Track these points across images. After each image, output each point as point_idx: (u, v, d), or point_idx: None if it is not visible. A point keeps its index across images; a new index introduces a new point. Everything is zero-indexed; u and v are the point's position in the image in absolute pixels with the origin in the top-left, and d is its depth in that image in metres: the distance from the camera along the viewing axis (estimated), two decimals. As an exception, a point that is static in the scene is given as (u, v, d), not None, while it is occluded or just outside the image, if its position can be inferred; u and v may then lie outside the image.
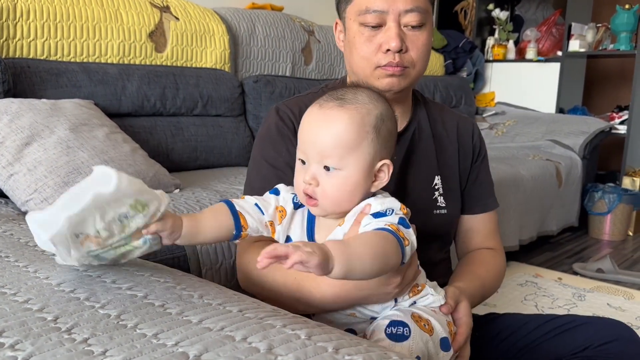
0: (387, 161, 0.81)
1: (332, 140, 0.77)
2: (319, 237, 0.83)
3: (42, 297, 0.68)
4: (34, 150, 1.44)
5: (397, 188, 1.03)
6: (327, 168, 0.78)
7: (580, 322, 1.00)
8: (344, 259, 0.67)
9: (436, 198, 1.09)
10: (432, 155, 1.10)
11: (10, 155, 1.43)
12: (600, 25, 3.97)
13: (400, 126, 1.05)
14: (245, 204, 0.84)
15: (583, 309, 2.28)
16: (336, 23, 1.07)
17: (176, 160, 2.09)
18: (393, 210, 0.78)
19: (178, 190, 1.68)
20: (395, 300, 0.85)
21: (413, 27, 0.97)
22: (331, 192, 0.78)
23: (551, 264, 2.87)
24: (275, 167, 1.00)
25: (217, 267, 1.40)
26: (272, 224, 0.85)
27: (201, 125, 2.22)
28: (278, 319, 0.63)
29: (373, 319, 0.84)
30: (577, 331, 0.98)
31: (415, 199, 1.05)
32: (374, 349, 0.58)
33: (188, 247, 1.36)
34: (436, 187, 1.09)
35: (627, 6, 3.67)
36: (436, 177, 1.09)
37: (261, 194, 0.89)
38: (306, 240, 0.84)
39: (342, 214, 0.81)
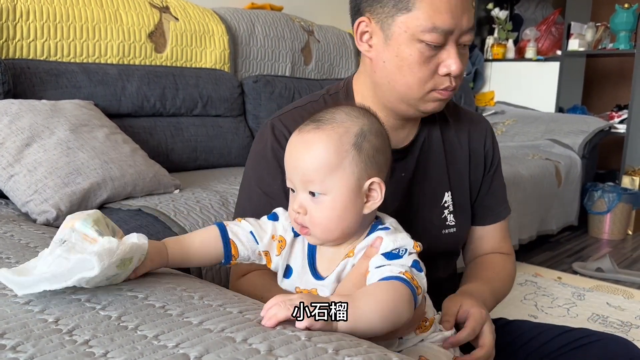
0: (376, 179, 0.76)
1: (311, 164, 0.75)
2: (320, 266, 0.80)
3: (43, 298, 0.68)
4: (34, 151, 1.45)
5: (404, 207, 0.99)
6: (312, 194, 0.75)
7: (595, 339, 0.96)
8: (350, 319, 0.64)
9: (445, 217, 1.03)
10: (443, 169, 1.03)
11: (10, 156, 1.43)
12: (599, 24, 3.98)
13: (409, 138, 1.01)
14: (240, 231, 0.81)
15: (583, 308, 2.28)
16: (360, 22, 0.93)
17: (176, 161, 2.10)
18: (406, 249, 0.74)
19: (178, 190, 1.69)
20: (400, 337, 0.82)
21: (465, 46, 0.90)
22: (319, 219, 0.75)
23: (551, 264, 2.87)
24: (268, 195, 0.96)
25: (218, 268, 1.40)
26: (267, 253, 0.82)
27: (201, 125, 2.22)
28: (278, 320, 0.63)
29: None
30: (592, 348, 0.94)
31: (423, 218, 1.01)
32: (374, 350, 0.58)
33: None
34: (446, 204, 1.03)
35: (626, 5, 3.67)
36: (446, 193, 1.03)
37: None
38: (307, 270, 0.81)
39: (339, 241, 0.78)
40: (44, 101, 1.64)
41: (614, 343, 0.95)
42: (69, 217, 0.72)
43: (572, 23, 3.93)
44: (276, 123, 0.98)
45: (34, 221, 1.36)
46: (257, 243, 0.81)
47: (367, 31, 0.92)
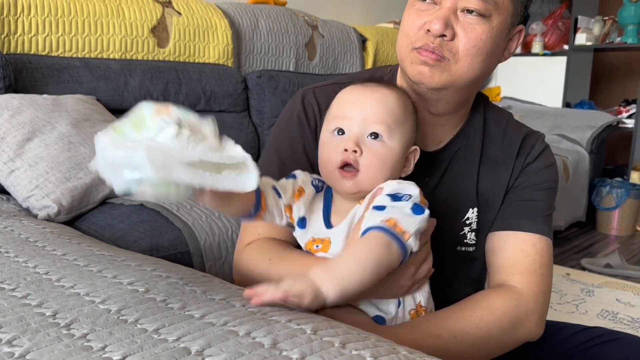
0: (416, 147, 0.81)
1: (383, 109, 0.77)
2: (334, 218, 0.81)
3: (42, 292, 0.67)
4: (35, 146, 1.43)
5: None
6: (373, 135, 0.76)
7: (611, 338, 0.93)
8: (333, 284, 0.65)
9: (465, 234, 0.94)
10: (472, 183, 0.93)
11: (11, 151, 1.41)
12: (607, 18, 3.94)
13: (443, 142, 0.94)
14: (266, 184, 0.80)
15: (592, 305, 2.25)
16: None
17: (180, 156, 2.08)
18: (410, 196, 0.74)
19: (181, 186, 1.67)
20: (399, 302, 0.81)
21: (469, 11, 0.81)
22: (376, 161, 0.76)
23: (559, 260, 2.85)
24: (284, 166, 0.92)
25: (221, 263, 1.39)
26: (289, 208, 0.81)
27: (204, 120, 2.20)
28: (282, 313, 0.61)
29: (377, 319, 0.80)
30: (608, 347, 0.91)
31: (438, 231, 0.91)
32: (381, 343, 0.56)
33: (191, 242, 1.34)
34: (468, 221, 0.94)
35: (634, -1, 3.63)
36: (471, 210, 0.94)
37: None
38: (322, 221, 0.81)
39: (366, 194, 0.78)
40: (45, 96, 1.62)
41: (630, 342, 0.92)
42: (150, 111, 0.61)
43: (579, 17, 3.90)
44: (308, 94, 0.96)
45: (35, 216, 1.34)
46: (280, 197, 0.81)
47: None
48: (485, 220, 0.94)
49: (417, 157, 0.82)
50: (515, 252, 0.90)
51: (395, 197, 0.73)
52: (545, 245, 0.91)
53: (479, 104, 0.96)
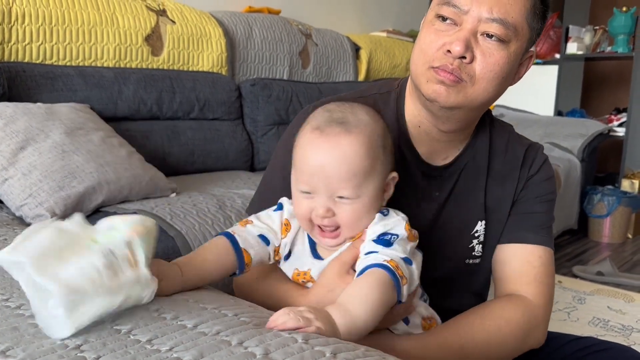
0: (394, 173, 0.79)
1: (345, 172, 0.73)
2: (323, 250, 0.80)
3: (35, 302, 0.67)
4: (28, 154, 1.43)
5: (431, 230, 0.94)
6: (342, 198, 0.74)
7: (602, 348, 0.93)
8: (348, 326, 0.65)
9: (473, 247, 0.96)
10: (480, 197, 0.96)
11: (4, 159, 1.41)
12: (597, 27, 3.98)
13: (450, 157, 0.95)
14: (248, 236, 0.79)
15: (583, 312, 2.26)
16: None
17: (173, 164, 2.08)
18: (397, 235, 0.74)
19: (175, 194, 1.67)
20: (407, 321, 0.82)
21: (490, 36, 0.81)
22: (348, 219, 0.75)
23: (551, 267, 2.86)
24: (286, 181, 0.91)
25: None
26: (278, 248, 0.82)
27: (198, 129, 2.21)
28: (275, 323, 0.62)
29: None
30: (599, 357, 0.92)
31: (448, 244, 0.95)
32: (372, 353, 0.56)
33: (185, 251, 1.34)
34: (476, 234, 0.96)
35: (624, 9, 3.67)
36: (479, 222, 0.96)
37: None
38: (311, 258, 0.81)
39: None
40: (39, 104, 1.62)
41: (621, 353, 0.92)
42: (130, 221, 0.65)
43: (570, 26, 3.93)
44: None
45: (28, 225, 1.34)
46: (268, 244, 0.81)
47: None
48: (492, 232, 0.96)
49: (397, 179, 0.80)
50: (523, 264, 0.94)
51: (385, 242, 0.73)
52: (549, 256, 0.95)
53: (484, 119, 0.97)
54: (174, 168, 2.07)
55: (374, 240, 0.73)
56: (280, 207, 0.84)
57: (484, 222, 0.96)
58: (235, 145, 2.32)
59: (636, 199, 3.36)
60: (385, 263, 0.70)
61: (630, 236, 3.45)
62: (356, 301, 0.67)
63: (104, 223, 0.65)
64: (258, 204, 0.93)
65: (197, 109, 2.22)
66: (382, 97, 0.98)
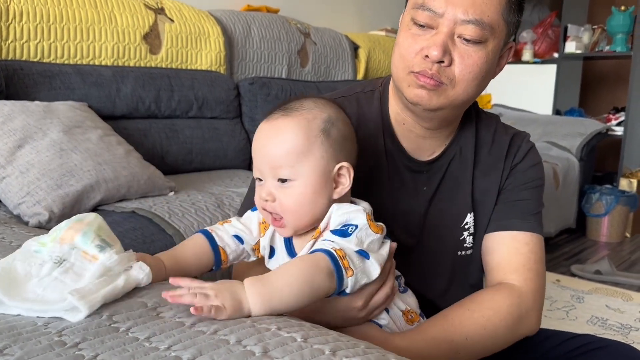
0: (345, 163, 0.77)
1: (281, 149, 0.75)
2: (297, 244, 0.81)
3: (33, 300, 0.66)
4: (26, 152, 1.43)
5: (422, 225, 0.96)
6: (281, 180, 0.75)
7: (600, 345, 0.93)
8: (262, 299, 0.63)
9: (464, 239, 0.97)
10: (468, 189, 0.96)
11: (2, 158, 1.41)
12: (596, 26, 3.98)
13: (437, 152, 0.96)
14: (224, 235, 0.83)
15: (582, 311, 2.27)
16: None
17: (171, 163, 2.08)
18: (356, 226, 0.72)
19: (173, 193, 1.67)
20: (387, 311, 0.82)
21: (467, 40, 0.82)
22: (290, 205, 0.75)
23: (549, 266, 2.86)
24: None
25: (213, 270, 1.38)
26: (257, 246, 0.84)
27: (196, 127, 2.20)
28: (273, 321, 0.61)
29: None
30: (597, 355, 0.91)
31: (439, 238, 0.96)
32: (372, 350, 0.56)
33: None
34: (466, 226, 0.97)
35: (622, 8, 3.67)
36: (468, 215, 0.96)
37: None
38: (287, 255, 0.81)
39: (309, 227, 0.78)
40: (36, 102, 1.62)
41: (619, 350, 0.92)
42: (67, 227, 0.69)
43: (569, 25, 3.93)
44: None
45: (26, 223, 1.34)
46: (242, 243, 0.83)
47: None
48: (480, 223, 0.97)
49: (352, 172, 0.77)
50: (510, 251, 0.93)
51: (342, 233, 0.72)
52: (537, 242, 0.94)
53: (469, 112, 0.98)
54: (172, 167, 2.07)
55: (331, 231, 0.73)
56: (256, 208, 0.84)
57: (472, 214, 0.96)
58: (233, 144, 2.31)
59: (634, 198, 3.36)
60: (329, 250, 0.69)
61: (628, 235, 3.45)
62: (280, 276, 0.67)
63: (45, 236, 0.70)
64: (245, 208, 0.95)
65: (195, 107, 2.22)
66: (366, 95, 0.99)
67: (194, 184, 1.82)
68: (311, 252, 0.70)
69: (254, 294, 0.64)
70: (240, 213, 0.94)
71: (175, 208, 1.48)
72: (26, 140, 1.45)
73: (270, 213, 0.77)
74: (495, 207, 0.97)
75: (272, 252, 0.83)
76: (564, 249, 3.19)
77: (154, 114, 2.11)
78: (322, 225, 0.76)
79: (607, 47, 3.86)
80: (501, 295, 0.89)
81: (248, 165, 2.40)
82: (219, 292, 0.63)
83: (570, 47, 3.90)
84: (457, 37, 0.82)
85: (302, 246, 0.79)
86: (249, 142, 2.39)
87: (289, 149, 0.74)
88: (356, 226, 0.73)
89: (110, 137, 1.66)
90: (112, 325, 0.59)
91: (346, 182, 0.77)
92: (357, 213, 0.74)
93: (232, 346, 0.54)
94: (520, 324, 0.90)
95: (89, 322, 0.59)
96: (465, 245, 0.97)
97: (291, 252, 0.81)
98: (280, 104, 0.79)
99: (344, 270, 0.68)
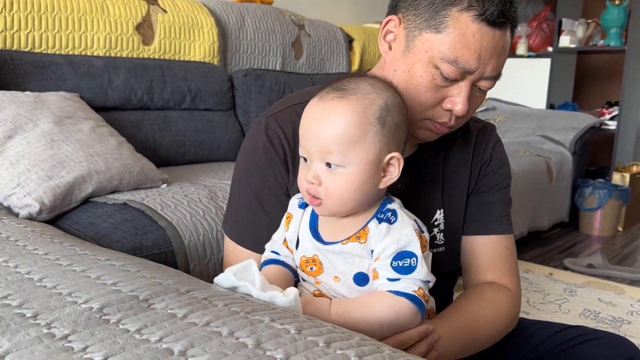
0: (397, 154, 0.75)
1: (333, 135, 0.72)
2: (323, 230, 0.80)
3: (23, 292, 0.66)
4: (16, 143, 1.41)
5: None
6: (329, 165, 0.74)
7: (592, 337, 0.94)
8: (338, 319, 0.70)
9: (435, 235, 0.96)
10: (438, 185, 0.97)
11: (-8, 148, 1.39)
12: (590, 21, 3.98)
13: (411, 150, 0.95)
14: (281, 252, 0.85)
15: (574, 304, 2.27)
16: (389, 20, 0.88)
17: (164, 155, 2.06)
18: (416, 257, 0.74)
19: (166, 185, 1.65)
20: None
21: (482, 90, 0.85)
22: (335, 191, 0.74)
23: (542, 260, 2.87)
24: (257, 198, 0.91)
25: (206, 263, 1.38)
26: (286, 244, 0.85)
27: (189, 119, 2.19)
28: (266, 313, 0.61)
29: None
30: (589, 346, 0.93)
31: None
32: (366, 342, 0.56)
33: (175, 242, 1.33)
34: (436, 222, 0.96)
35: (617, 2, 3.67)
36: (438, 211, 0.96)
37: (249, 227, 0.90)
38: (313, 241, 0.80)
39: (348, 213, 0.77)
40: (27, 93, 1.60)
41: (611, 341, 0.93)
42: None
43: (563, 19, 3.93)
44: (271, 122, 0.92)
45: (16, 215, 1.32)
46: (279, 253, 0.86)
47: (392, 32, 0.87)
48: (451, 220, 0.97)
49: (401, 162, 0.76)
50: (493, 255, 0.98)
51: (407, 270, 0.74)
52: (512, 242, 1.00)
53: None
54: (164, 159, 2.05)
55: (395, 268, 0.74)
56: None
57: (442, 210, 0.97)
58: (227, 136, 2.30)
59: (627, 192, 3.37)
60: (413, 293, 0.73)
61: (620, 229, 3.46)
62: (360, 307, 0.73)
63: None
64: (234, 216, 0.95)
65: (188, 99, 2.20)
66: (303, 107, 0.96)
67: (186, 176, 1.81)
68: (392, 292, 0.74)
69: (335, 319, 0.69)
70: (230, 221, 0.95)
71: (167, 200, 1.47)
72: (16, 130, 1.44)
73: (312, 195, 0.76)
74: (469, 208, 0.98)
75: (297, 243, 0.83)
76: (556, 243, 3.20)
77: (147, 106, 2.09)
78: (369, 246, 0.76)
79: (601, 42, 3.87)
80: (504, 296, 0.94)
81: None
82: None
83: (565, 41, 3.90)
84: (474, 86, 0.84)
85: (329, 233, 0.79)
86: (242, 134, 2.37)
87: (341, 136, 0.72)
88: (416, 257, 0.74)
89: (102, 128, 1.64)
90: (103, 317, 0.58)
91: (395, 172, 0.76)
92: (410, 238, 0.75)
93: (224, 338, 0.54)
94: (512, 323, 0.97)
95: (79, 314, 0.59)
96: (436, 242, 0.96)
97: (317, 236, 0.80)
98: (334, 81, 0.77)
99: (425, 304, 0.75)
